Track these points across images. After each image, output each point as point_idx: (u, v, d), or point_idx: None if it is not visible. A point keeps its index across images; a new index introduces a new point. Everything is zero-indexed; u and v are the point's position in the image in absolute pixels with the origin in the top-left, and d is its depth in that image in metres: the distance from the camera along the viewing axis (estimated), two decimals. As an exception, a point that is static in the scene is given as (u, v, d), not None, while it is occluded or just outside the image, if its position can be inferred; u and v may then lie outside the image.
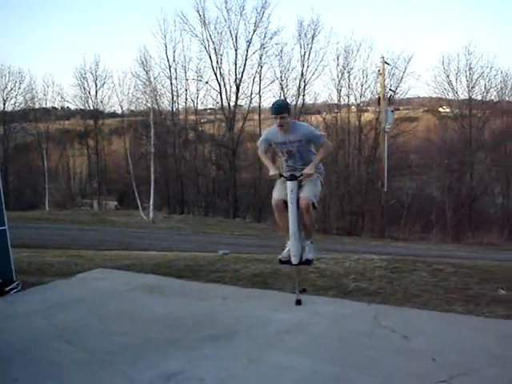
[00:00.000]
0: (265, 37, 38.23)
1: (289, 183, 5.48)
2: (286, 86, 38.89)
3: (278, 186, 5.80)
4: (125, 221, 28.70)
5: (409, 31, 71.64)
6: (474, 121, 39.07)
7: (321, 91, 55.82)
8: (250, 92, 39.16)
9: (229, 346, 4.48)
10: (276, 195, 5.77)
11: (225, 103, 39.37)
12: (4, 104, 44.70)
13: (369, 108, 39.42)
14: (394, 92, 33.70)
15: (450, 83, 39.61)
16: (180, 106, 42.07)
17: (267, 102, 39.51)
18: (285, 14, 79.47)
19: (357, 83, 38.00)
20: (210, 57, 38.55)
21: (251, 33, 38.18)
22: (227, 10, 38.42)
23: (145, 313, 5.50)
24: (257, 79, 38.96)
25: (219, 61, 38.62)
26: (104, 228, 23.60)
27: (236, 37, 38.38)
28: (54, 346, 4.57)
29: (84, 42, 73.86)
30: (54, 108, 48.41)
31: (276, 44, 38.37)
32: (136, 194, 31.45)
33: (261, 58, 38.67)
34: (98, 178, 46.30)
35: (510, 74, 38.94)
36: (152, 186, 29.90)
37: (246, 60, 38.49)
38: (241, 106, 40.49)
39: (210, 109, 44.27)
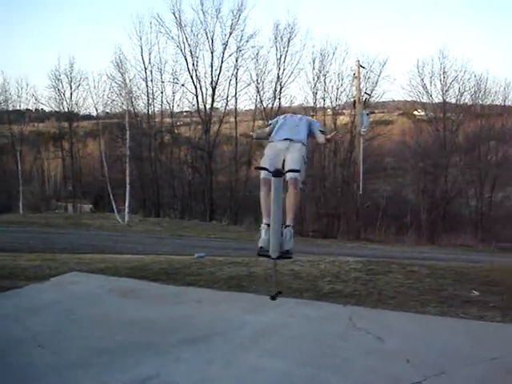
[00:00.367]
0: (241, 39, 38.22)
1: (274, 180, 4.82)
2: (262, 88, 38.96)
3: (268, 156, 5.35)
4: (100, 224, 28.43)
5: (384, 35, 72.22)
6: (449, 124, 39.48)
7: (297, 94, 56.12)
8: (226, 95, 39.12)
9: (204, 349, 4.46)
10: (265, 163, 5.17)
11: (201, 106, 39.26)
12: (-23, 106, 44.08)
13: (344, 111, 39.60)
14: (370, 95, 33.93)
15: (424, 87, 40.01)
16: (156, 109, 41.86)
17: (243, 104, 39.51)
18: (261, 17, 79.70)
19: (332, 86, 38.21)
20: (186, 59, 38.42)
21: (227, 35, 38.14)
22: (203, 13, 38.28)
23: (119, 316, 5.45)
24: (233, 82, 38.93)
25: (195, 63, 38.53)
26: (79, 231, 23.35)
27: (212, 39, 38.31)
28: (26, 351, 4.50)
29: (59, 42, 73.29)
30: (28, 110, 47.95)
31: (252, 47, 38.36)
32: (111, 197, 31.14)
33: (237, 61, 38.65)
34: (73, 181, 45.85)
35: (484, 77, 39.46)
36: (127, 189, 29.66)
37: (222, 63, 38.43)
38: (217, 108, 40.39)
39: (186, 111, 44.11)
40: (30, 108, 48.12)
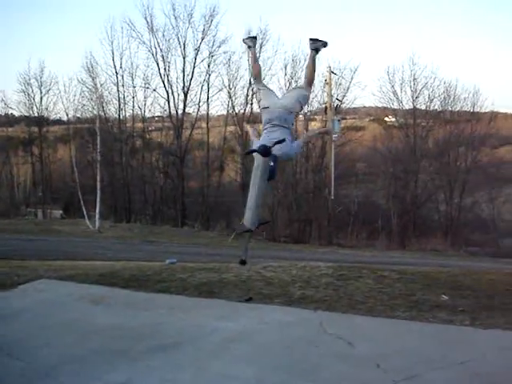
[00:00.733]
0: (213, 45, 38.17)
1: (258, 157, 4.66)
2: (234, 94, 38.92)
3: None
4: (70, 230, 28.14)
5: (355, 42, 72.91)
6: (419, 130, 39.90)
7: (269, 100, 55.71)
8: (198, 100, 38.96)
9: (174, 356, 4.44)
10: None
11: (173, 111, 39.07)
12: None
13: (316, 117, 39.74)
14: (341, 101, 34.17)
15: (395, 93, 40.35)
16: (127, 114, 41.53)
17: (215, 109, 39.40)
18: (233, 22, 79.60)
19: (304, 92, 38.28)
20: (158, 64, 38.24)
21: (199, 41, 38.05)
22: (175, 18, 38.13)
23: (89, 324, 5.40)
24: (205, 87, 38.80)
25: (167, 68, 38.36)
26: (49, 237, 23.06)
27: (184, 44, 38.19)
28: (-6, 360, 4.43)
29: (28, 46, 72.23)
30: (-4, 114, 47.25)
31: (224, 52, 38.27)
32: (82, 203, 30.84)
33: (209, 66, 38.58)
34: (43, 187, 45.26)
35: (453, 84, 39.98)
36: (98, 195, 29.42)
37: (194, 68, 38.31)
38: (189, 113, 40.26)
39: (157, 116, 43.87)
40: (-1, 112, 47.51)
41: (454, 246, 31.77)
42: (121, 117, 40.89)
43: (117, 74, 39.05)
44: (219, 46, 37.93)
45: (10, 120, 48.50)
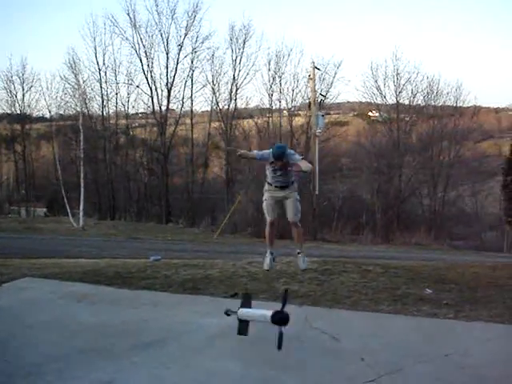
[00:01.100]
0: (196, 41, 38.17)
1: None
2: (218, 90, 38.94)
3: (270, 207, 7.75)
4: (54, 228, 27.98)
5: (338, 37, 73.23)
6: (402, 125, 40.20)
7: (253, 96, 55.90)
8: (181, 96, 38.95)
9: (159, 354, 4.42)
10: (270, 216, 7.81)
11: (156, 107, 39.00)
12: None
13: (300, 112, 39.85)
14: (325, 97, 34.20)
15: (378, 88, 40.55)
16: (110, 110, 41.48)
17: (199, 106, 39.37)
18: (216, 18, 79.56)
19: (288, 88, 38.46)
20: (141, 60, 38.17)
21: (182, 36, 38.03)
22: (158, 14, 38.08)
23: (72, 322, 5.35)
24: (188, 83, 38.80)
25: (150, 64, 38.31)
26: (32, 235, 22.92)
27: (167, 40, 38.15)
28: (-24, 360, 4.39)
29: (10, 42, 71.65)
30: (-22, 112, 46.82)
31: (208, 48, 38.31)
32: (65, 200, 30.64)
33: (192, 62, 38.56)
34: (26, 185, 45.04)
35: (436, 79, 40.25)
36: (82, 192, 29.24)
37: (177, 64, 38.29)
38: (173, 110, 40.19)
39: (141, 113, 43.81)
40: (-19, 110, 47.06)
41: (437, 240, 32.01)
42: (104, 114, 40.82)
43: (100, 70, 39.05)
44: (202, 42, 38.07)
45: (-9, 117, 48.12)
